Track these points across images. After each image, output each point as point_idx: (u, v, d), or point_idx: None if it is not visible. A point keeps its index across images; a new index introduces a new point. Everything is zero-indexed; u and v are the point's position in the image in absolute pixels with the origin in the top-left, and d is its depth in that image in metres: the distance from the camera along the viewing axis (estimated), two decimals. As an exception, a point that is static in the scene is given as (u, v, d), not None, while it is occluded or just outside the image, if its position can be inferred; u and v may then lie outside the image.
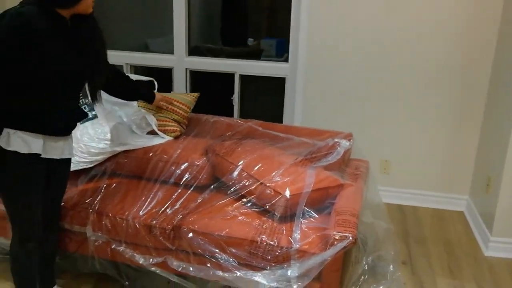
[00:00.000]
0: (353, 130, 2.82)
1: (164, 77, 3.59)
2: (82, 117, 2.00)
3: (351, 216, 1.98)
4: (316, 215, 2.14)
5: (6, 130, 1.75)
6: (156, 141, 2.54)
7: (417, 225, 3.07)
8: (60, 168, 1.98)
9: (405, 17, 2.98)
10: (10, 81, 1.68)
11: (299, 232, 2.03)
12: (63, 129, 1.89)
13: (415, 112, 3.15)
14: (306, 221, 2.10)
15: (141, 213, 2.19)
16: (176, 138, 2.61)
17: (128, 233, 2.15)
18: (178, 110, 2.70)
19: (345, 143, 2.46)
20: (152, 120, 2.59)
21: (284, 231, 2.04)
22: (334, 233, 1.88)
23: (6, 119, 1.74)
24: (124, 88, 2.31)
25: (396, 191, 3.32)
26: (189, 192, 2.33)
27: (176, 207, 2.23)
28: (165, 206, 2.23)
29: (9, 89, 1.69)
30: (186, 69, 3.50)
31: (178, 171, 2.40)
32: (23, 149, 1.76)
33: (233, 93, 3.45)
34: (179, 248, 2.11)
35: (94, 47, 1.87)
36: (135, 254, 2.16)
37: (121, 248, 2.17)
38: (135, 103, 2.61)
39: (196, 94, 2.83)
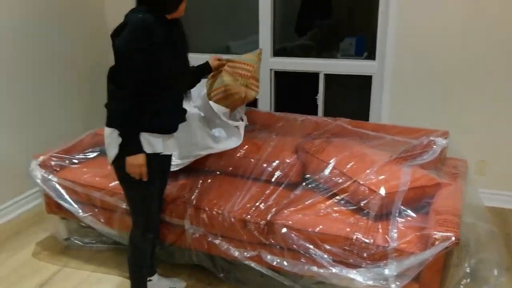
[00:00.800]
0: (446, 129, 2.71)
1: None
2: (185, 113, 2.13)
3: (453, 216, 1.91)
4: (413, 214, 2.08)
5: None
6: (233, 141, 2.55)
7: (518, 229, 2.89)
8: (167, 162, 2.15)
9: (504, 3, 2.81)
10: (142, 84, 1.83)
11: (395, 230, 1.99)
12: (176, 127, 2.05)
13: (514, 110, 2.97)
14: (403, 220, 2.06)
15: (235, 208, 2.26)
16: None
17: (224, 227, 2.23)
18: (242, 71, 2.50)
19: (441, 141, 2.38)
20: (220, 110, 2.54)
21: (380, 230, 2.01)
22: (435, 232, 1.83)
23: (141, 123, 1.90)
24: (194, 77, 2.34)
25: (493, 193, 3.14)
26: (280, 189, 2.37)
27: (269, 203, 2.27)
28: (258, 202, 2.28)
29: (140, 91, 1.84)
30: (271, 69, 3.56)
31: (270, 169, 2.44)
32: (149, 149, 1.92)
33: (317, 92, 3.45)
34: (272, 242, 2.15)
35: (187, 46, 2.05)
36: (230, 247, 2.24)
37: (217, 241, 2.26)
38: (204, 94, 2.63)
39: (259, 50, 2.62)
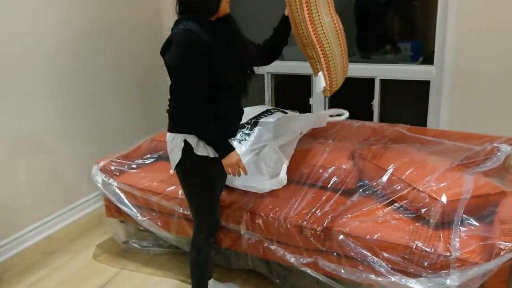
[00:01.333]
0: (509, 135, 2.59)
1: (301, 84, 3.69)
2: (242, 115, 2.13)
3: (519, 226, 1.83)
4: (475, 223, 2.01)
5: (194, 138, 1.94)
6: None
7: None
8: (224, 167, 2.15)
9: None
10: (204, 90, 1.87)
11: (458, 239, 1.93)
12: (236, 130, 2.08)
13: None
14: (465, 228, 1.98)
15: (291, 214, 2.25)
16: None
17: (280, 232, 2.24)
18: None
19: (505, 148, 2.29)
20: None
21: (441, 238, 1.95)
22: (500, 242, 1.76)
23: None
24: (275, 46, 2.22)
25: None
26: (336, 195, 2.35)
27: (325, 209, 2.25)
28: (315, 208, 2.27)
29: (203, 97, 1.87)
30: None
31: (326, 175, 2.42)
32: (211, 153, 1.95)
33: (372, 98, 3.41)
34: (329, 249, 2.14)
35: (242, 41, 2.00)
36: (286, 253, 2.23)
37: (273, 247, 2.26)
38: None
39: None
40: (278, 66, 3.65)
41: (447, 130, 2.83)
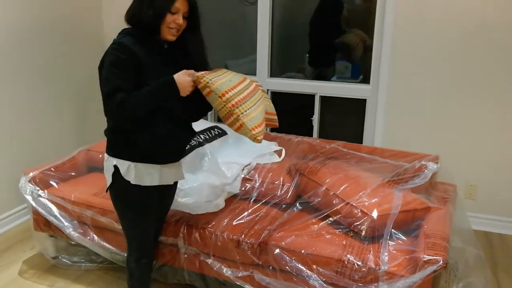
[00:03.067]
0: (436, 152, 2.76)
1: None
2: (192, 137, 2.02)
3: (441, 239, 1.94)
4: (403, 237, 2.11)
5: (126, 163, 1.85)
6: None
7: (505, 254, 2.91)
8: (171, 189, 2.07)
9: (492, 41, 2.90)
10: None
11: (386, 253, 2.01)
12: (176, 155, 1.97)
13: (502, 135, 3.03)
14: (394, 243, 2.08)
15: (229, 227, 2.26)
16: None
17: (216, 246, 2.23)
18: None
19: (432, 166, 2.42)
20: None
21: (372, 252, 2.03)
22: (424, 256, 1.86)
23: (127, 151, 1.85)
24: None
25: (481, 217, 3.18)
26: (274, 210, 2.39)
27: (262, 223, 2.28)
28: (252, 222, 2.29)
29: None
30: (268, 90, 3.60)
31: (263, 189, 2.46)
32: (144, 182, 1.86)
33: (312, 113, 3.50)
34: (265, 263, 2.15)
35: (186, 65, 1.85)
36: (222, 267, 2.23)
37: (209, 261, 2.25)
38: None
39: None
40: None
41: (380, 148, 2.96)
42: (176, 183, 2.13)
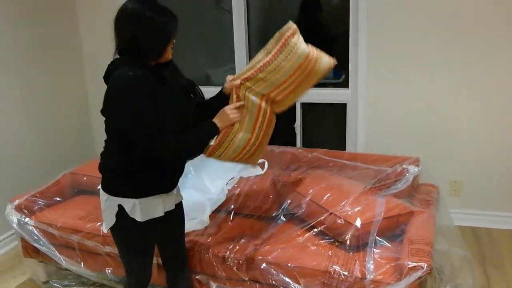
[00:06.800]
0: (419, 152, 2.78)
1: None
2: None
3: (425, 245, 1.96)
4: (388, 244, 2.12)
5: (131, 200, 1.77)
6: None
7: (493, 248, 2.95)
8: (175, 211, 1.98)
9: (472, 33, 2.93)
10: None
11: (372, 262, 2.02)
12: (177, 182, 1.94)
13: (483, 129, 3.06)
14: (379, 250, 2.09)
15: (214, 243, 2.26)
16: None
17: (202, 262, 2.23)
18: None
19: (413, 169, 2.45)
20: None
21: (357, 261, 2.05)
22: (408, 263, 1.88)
23: (132, 188, 1.77)
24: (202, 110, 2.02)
25: (467, 213, 3.22)
26: (259, 223, 2.40)
27: (247, 238, 2.29)
28: (237, 237, 2.30)
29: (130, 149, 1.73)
30: (248, 100, 3.60)
31: (248, 203, 2.47)
32: (150, 215, 1.81)
33: (294, 121, 3.51)
34: (252, 278, 2.16)
35: (183, 87, 1.87)
36: (211, 282, 2.23)
37: (198, 277, 2.26)
38: None
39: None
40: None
41: (361, 153, 2.98)
42: (181, 205, 2.06)
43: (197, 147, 1.87)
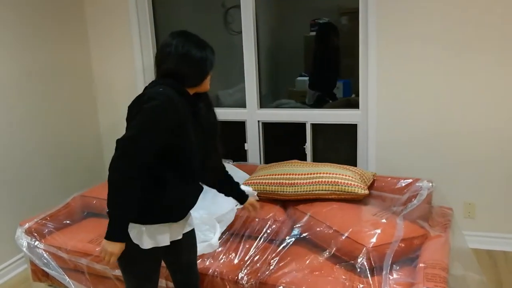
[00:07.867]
0: (432, 175, 2.74)
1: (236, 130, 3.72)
2: (201, 190, 1.96)
3: (441, 270, 1.92)
4: (402, 268, 2.08)
5: (137, 226, 1.73)
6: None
7: (510, 272, 2.87)
8: (185, 237, 1.95)
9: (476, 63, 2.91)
10: (156, 166, 1.69)
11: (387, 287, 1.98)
12: (185, 214, 1.90)
13: (495, 151, 3.02)
14: (393, 276, 2.04)
15: (226, 267, 2.24)
16: None
17: (214, 286, 2.20)
18: None
19: (426, 184, 2.43)
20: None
21: (372, 287, 2.00)
22: (424, 288, 1.83)
23: (138, 214, 1.71)
24: (224, 180, 2.11)
25: (483, 236, 3.14)
26: (270, 246, 2.37)
27: (259, 261, 2.25)
28: (250, 261, 2.26)
29: (152, 175, 1.70)
30: (259, 121, 3.61)
31: (257, 226, 2.44)
32: (156, 243, 1.77)
33: (305, 141, 3.50)
34: (265, 303, 2.12)
35: (213, 122, 1.89)
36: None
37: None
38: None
39: None
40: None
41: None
42: (193, 230, 2.03)
43: (115, 198, 1.63)
